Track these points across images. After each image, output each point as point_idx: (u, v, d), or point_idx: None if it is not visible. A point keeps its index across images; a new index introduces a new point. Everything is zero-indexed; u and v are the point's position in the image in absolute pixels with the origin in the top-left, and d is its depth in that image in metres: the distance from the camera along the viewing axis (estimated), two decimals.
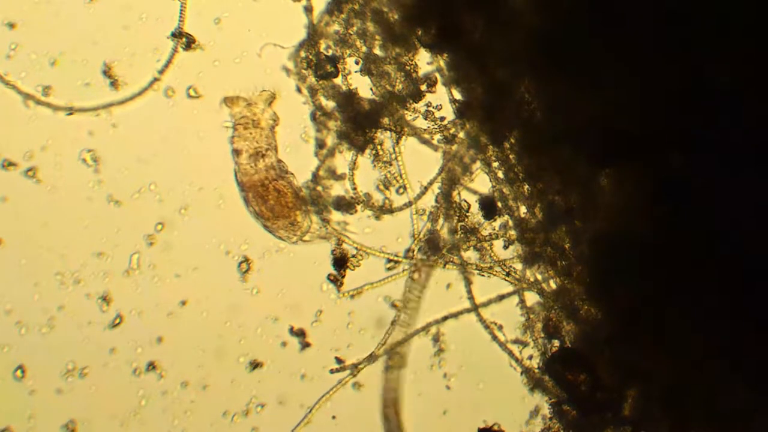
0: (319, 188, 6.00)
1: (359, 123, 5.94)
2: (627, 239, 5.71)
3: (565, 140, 5.75)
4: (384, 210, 6.03)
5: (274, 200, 5.93)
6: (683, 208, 5.62)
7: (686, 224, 5.62)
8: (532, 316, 6.01)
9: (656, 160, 5.65)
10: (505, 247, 6.02)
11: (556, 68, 5.69)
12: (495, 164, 5.95)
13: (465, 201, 6.02)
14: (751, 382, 5.72)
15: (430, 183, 6.03)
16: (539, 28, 5.67)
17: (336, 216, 6.03)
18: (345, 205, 5.98)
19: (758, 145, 5.52)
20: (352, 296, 6.08)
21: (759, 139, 5.51)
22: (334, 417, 6.07)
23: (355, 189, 6.00)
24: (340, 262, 6.01)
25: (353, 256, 6.03)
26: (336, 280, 6.02)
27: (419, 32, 5.89)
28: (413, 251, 6.02)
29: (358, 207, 5.98)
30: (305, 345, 6.04)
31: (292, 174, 6.01)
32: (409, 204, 6.04)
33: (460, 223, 6.01)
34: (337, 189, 6.04)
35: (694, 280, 5.65)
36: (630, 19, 5.54)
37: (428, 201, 6.06)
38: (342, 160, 6.01)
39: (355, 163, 5.99)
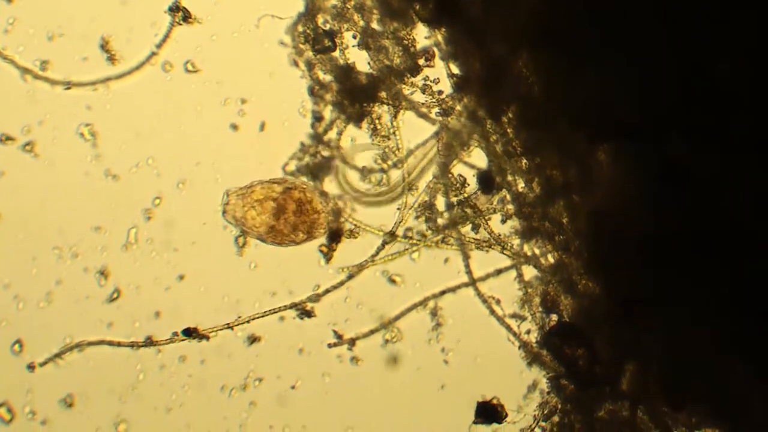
0: (316, 159, 6.02)
1: (356, 97, 5.94)
2: (625, 220, 5.71)
3: (562, 116, 5.75)
4: (381, 188, 6.05)
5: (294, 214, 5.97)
6: (682, 190, 5.62)
7: (685, 206, 5.63)
8: (530, 290, 6.02)
9: (655, 141, 5.65)
10: (503, 222, 6.03)
11: (554, 46, 5.69)
12: (493, 138, 5.95)
13: (461, 176, 6.04)
14: (751, 365, 5.72)
15: (426, 159, 6.05)
16: (538, 5, 5.67)
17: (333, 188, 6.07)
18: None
19: (759, 132, 5.52)
20: (351, 275, 6.09)
21: (759, 125, 5.51)
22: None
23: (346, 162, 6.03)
24: (335, 235, 6.01)
25: (350, 230, 6.04)
26: (327, 252, 6.02)
27: (417, 6, 5.89)
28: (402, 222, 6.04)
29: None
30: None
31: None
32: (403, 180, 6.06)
33: (457, 198, 6.02)
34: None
35: (694, 262, 5.66)
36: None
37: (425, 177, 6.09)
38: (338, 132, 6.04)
39: (342, 133, 6.00)
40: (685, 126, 5.56)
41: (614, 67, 5.59)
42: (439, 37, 5.95)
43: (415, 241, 6.06)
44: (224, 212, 5.97)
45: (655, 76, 5.55)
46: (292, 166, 6.02)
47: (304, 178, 6.03)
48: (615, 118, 5.64)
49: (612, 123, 5.66)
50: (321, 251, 6.05)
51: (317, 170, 5.99)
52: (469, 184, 6.01)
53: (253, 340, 6.09)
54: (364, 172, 6.05)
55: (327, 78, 5.98)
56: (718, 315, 5.67)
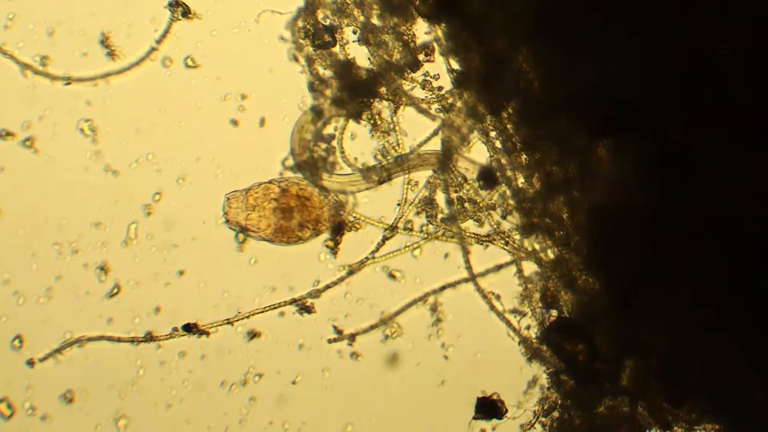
0: (316, 154, 6.02)
1: (356, 92, 5.94)
2: (625, 213, 5.71)
3: (562, 110, 5.75)
4: (381, 180, 6.05)
5: (299, 213, 5.96)
6: (682, 181, 5.62)
7: (685, 197, 5.62)
8: (530, 285, 6.02)
9: (655, 132, 5.64)
10: (504, 217, 6.02)
11: (554, 38, 5.69)
12: (493, 134, 5.95)
13: (465, 172, 6.03)
14: (751, 357, 5.72)
15: (425, 152, 6.05)
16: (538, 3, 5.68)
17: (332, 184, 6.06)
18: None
19: (758, 119, 5.51)
20: (351, 272, 6.09)
21: (759, 112, 5.51)
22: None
23: (344, 154, 6.02)
24: (338, 228, 6.01)
25: (351, 222, 6.04)
26: (333, 247, 6.03)
27: (417, 2, 5.89)
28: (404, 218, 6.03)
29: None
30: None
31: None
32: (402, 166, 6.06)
33: (457, 193, 6.02)
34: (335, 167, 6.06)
35: (692, 253, 5.66)
36: None
37: (425, 171, 6.09)
38: (336, 128, 6.04)
39: (344, 129, 6.00)
40: (684, 117, 5.56)
41: (613, 58, 5.59)
42: (439, 33, 5.95)
43: (416, 235, 6.06)
44: (227, 220, 5.97)
45: (654, 66, 5.55)
46: (291, 161, 6.03)
47: (299, 175, 6.03)
48: (614, 108, 5.64)
49: (611, 114, 5.66)
50: (327, 246, 6.05)
51: (315, 165, 6.00)
52: (470, 184, 6.01)
53: (253, 335, 6.09)
54: (364, 171, 6.05)
55: (327, 73, 5.98)
56: (719, 310, 5.67)
